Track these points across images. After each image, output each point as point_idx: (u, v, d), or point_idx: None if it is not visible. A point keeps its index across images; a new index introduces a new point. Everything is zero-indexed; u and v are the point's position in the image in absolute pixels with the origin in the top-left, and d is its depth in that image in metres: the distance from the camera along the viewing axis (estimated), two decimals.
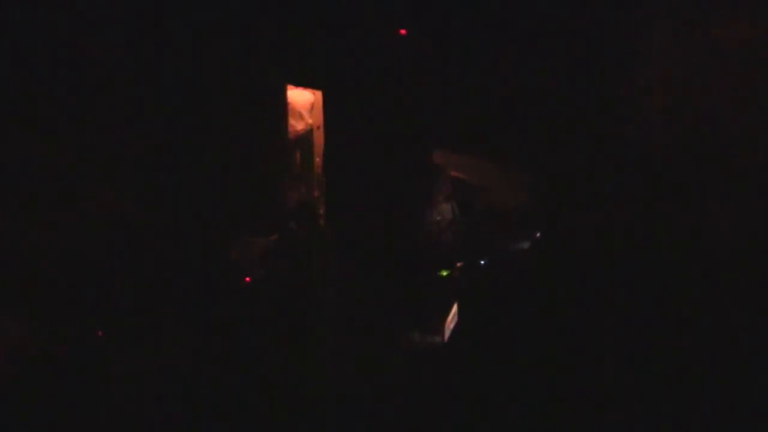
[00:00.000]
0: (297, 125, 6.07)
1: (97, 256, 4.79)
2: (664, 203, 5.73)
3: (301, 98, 6.08)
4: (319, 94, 5.98)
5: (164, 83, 4.94)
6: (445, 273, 5.87)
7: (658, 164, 5.81)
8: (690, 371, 4.97)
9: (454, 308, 5.83)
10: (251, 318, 5.25)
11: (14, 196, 4.53)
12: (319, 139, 5.90)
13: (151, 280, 4.93)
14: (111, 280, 4.80)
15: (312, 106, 6.19)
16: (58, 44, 4.44)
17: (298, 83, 5.66)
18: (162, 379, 4.62)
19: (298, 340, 5.44)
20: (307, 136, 6.25)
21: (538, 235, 5.99)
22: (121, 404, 4.50)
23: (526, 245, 5.97)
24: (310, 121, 6.17)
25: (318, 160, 5.81)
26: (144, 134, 4.92)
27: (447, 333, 5.75)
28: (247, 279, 5.28)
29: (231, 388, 4.86)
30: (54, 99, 4.45)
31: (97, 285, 4.76)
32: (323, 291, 5.57)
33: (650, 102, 5.78)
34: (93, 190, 4.72)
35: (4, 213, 4.47)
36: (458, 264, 5.91)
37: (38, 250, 4.56)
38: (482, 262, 5.91)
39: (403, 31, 5.73)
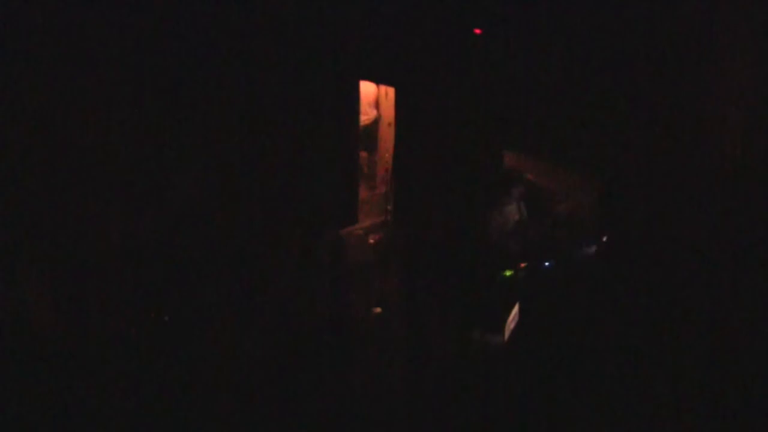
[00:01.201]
0: (361, 118, 6.03)
1: (170, 243, 4.86)
2: (738, 212, 5.57)
3: (365, 91, 6.03)
4: (383, 87, 5.93)
5: (235, 73, 4.96)
6: (508, 273, 5.85)
7: (734, 170, 5.64)
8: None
9: (516, 308, 5.81)
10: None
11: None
12: (389, 134, 5.88)
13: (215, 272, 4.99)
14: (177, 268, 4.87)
15: (376, 100, 6.15)
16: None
17: (371, 78, 5.63)
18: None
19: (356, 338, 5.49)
20: (372, 129, 6.22)
21: (604, 239, 5.93)
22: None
23: (592, 249, 5.91)
24: (374, 113, 6.13)
25: (387, 156, 5.79)
26: (212, 126, 4.95)
27: (507, 333, 5.74)
28: None
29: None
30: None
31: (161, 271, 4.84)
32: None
33: (728, 109, 5.61)
34: (168, 179, 4.76)
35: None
36: (522, 265, 5.88)
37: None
38: (547, 264, 5.88)
39: (478, 30, 5.67)
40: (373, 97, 6.21)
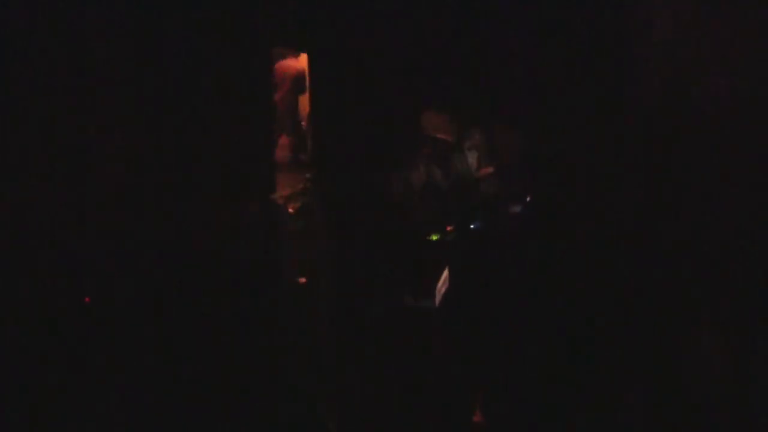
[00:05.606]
0: None
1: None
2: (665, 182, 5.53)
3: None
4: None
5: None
6: (435, 237, 5.82)
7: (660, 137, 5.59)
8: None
9: (446, 272, 5.79)
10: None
11: None
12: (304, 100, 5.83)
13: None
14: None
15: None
16: None
17: (283, 44, 5.56)
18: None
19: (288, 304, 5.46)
20: None
21: (528, 198, 5.91)
22: None
23: (517, 208, 5.89)
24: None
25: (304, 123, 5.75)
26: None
27: (438, 297, 5.72)
28: None
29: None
30: None
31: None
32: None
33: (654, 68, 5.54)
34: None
35: None
36: (448, 228, 5.84)
37: None
38: (472, 225, 5.85)
39: None
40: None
